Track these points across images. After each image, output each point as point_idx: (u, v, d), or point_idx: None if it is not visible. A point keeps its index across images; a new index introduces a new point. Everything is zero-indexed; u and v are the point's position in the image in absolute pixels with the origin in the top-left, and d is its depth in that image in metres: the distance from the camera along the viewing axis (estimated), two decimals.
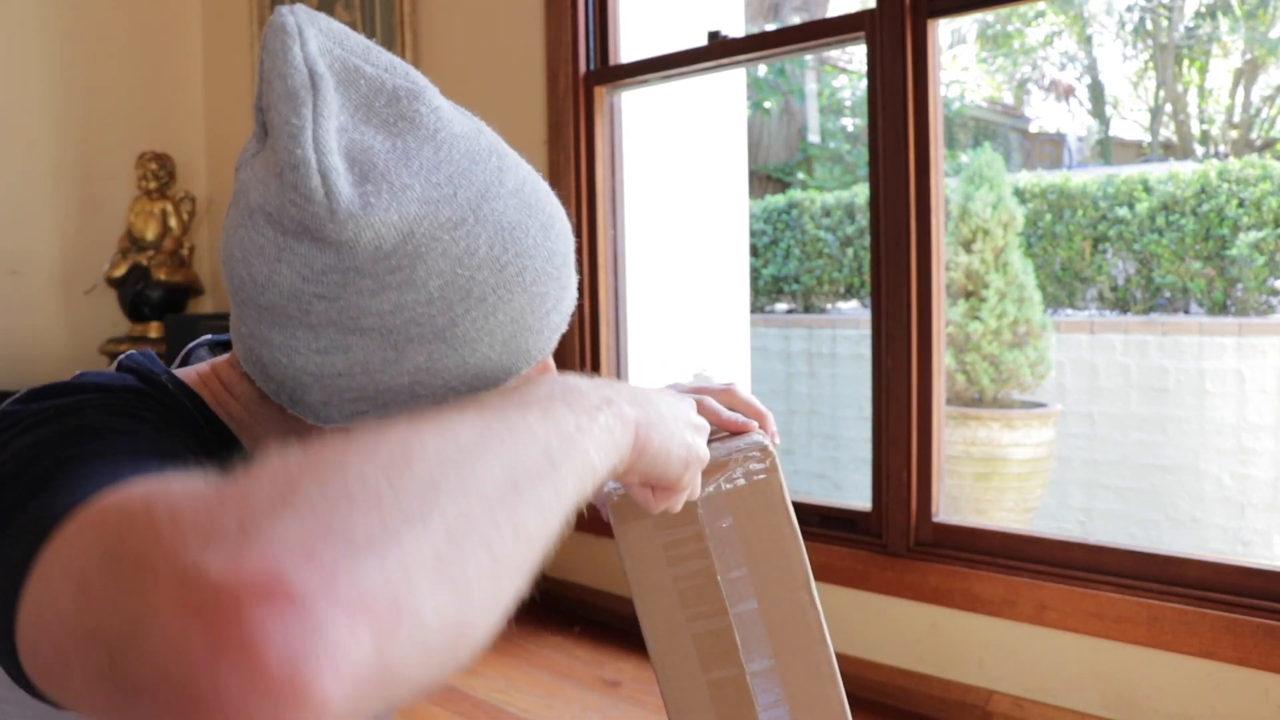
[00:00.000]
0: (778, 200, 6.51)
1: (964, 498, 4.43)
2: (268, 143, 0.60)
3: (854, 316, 5.94)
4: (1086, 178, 5.29)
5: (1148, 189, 4.91)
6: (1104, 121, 8.11)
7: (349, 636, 0.35)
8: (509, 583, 0.43)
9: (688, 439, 0.63)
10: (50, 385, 0.60)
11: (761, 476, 0.72)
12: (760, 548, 0.73)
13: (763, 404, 0.82)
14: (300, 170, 0.57)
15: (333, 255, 0.58)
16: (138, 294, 3.45)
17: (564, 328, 0.68)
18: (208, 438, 0.65)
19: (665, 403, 0.63)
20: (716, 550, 0.73)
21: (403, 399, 0.62)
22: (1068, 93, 8.15)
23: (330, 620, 0.35)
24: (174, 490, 0.41)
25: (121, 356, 0.68)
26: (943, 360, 1.95)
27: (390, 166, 0.59)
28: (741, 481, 0.73)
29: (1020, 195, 5.06)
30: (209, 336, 0.80)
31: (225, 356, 0.71)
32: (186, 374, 0.69)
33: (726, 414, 0.78)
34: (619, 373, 2.56)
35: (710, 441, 0.76)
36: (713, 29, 2.32)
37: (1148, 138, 7.80)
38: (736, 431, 0.77)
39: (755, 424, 0.79)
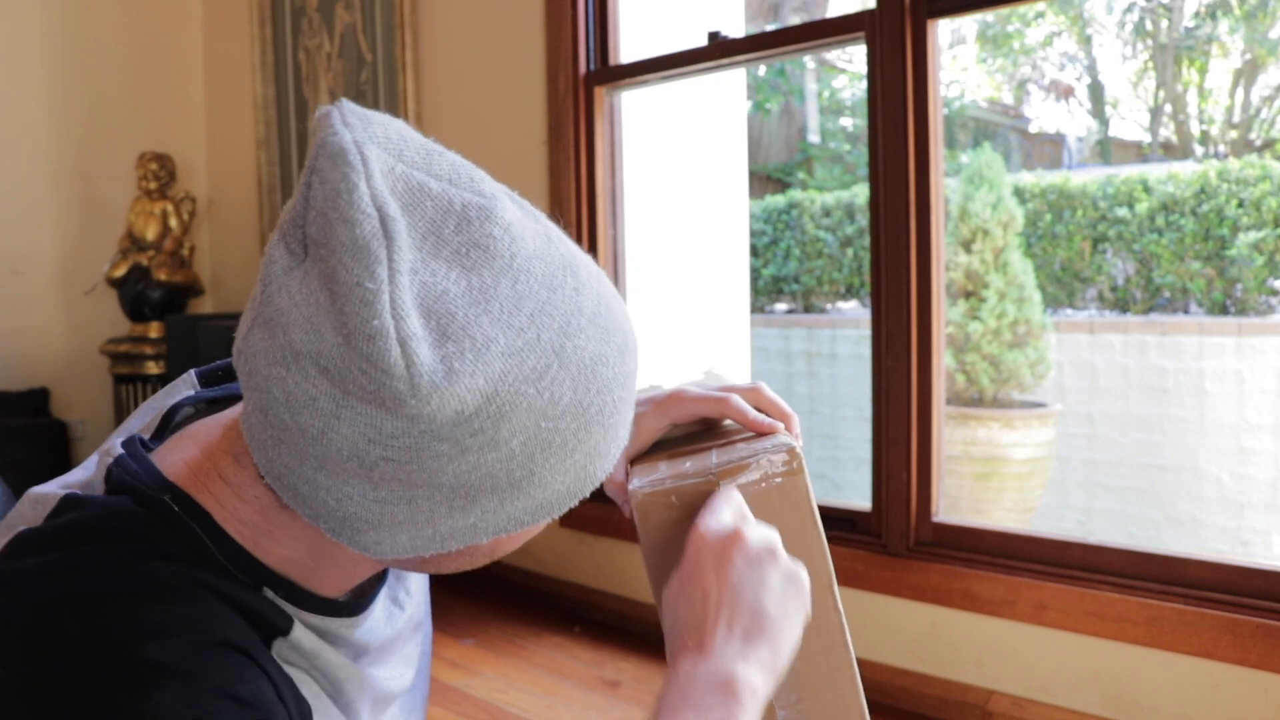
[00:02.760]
0: (778, 200, 6.52)
1: (964, 497, 4.43)
2: (318, 279, 0.53)
3: (854, 316, 5.95)
4: (1086, 178, 5.30)
5: (1147, 189, 4.91)
6: (1103, 122, 8.12)
7: None
8: None
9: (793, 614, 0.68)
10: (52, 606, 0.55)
11: (788, 478, 0.72)
12: (785, 548, 0.73)
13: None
14: (377, 342, 0.51)
15: (406, 423, 0.53)
16: (138, 294, 3.45)
17: (628, 440, 0.64)
18: (221, 570, 0.60)
19: (777, 623, 0.67)
20: None
21: (462, 536, 0.59)
22: (1067, 93, 8.15)
23: None
24: None
25: (111, 462, 0.62)
26: (942, 360, 1.95)
27: (470, 316, 0.53)
28: (767, 483, 0.72)
29: (1020, 195, 5.06)
30: (191, 392, 0.72)
31: (219, 432, 0.64)
32: (182, 474, 0.62)
33: (753, 414, 0.78)
34: None
35: (736, 441, 0.77)
36: (713, 29, 2.32)
37: (1147, 138, 7.80)
38: (763, 432, 0.77)
39: (781, 425, 0.79)
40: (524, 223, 0.58)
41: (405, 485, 0.55)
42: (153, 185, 3.51)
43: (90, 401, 3.62)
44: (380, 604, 0.72)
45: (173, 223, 3.53)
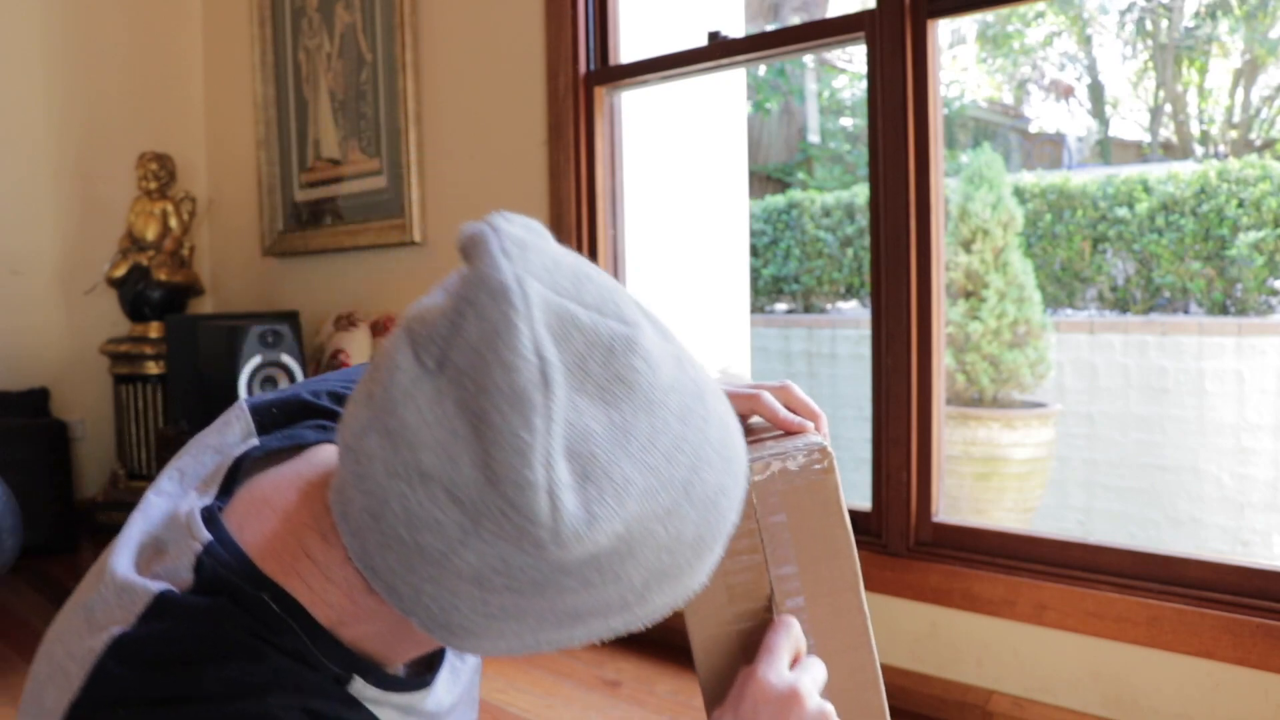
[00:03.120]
0: (778, 200, 6.52)
1: (964, 498, 4.43)
2: (456, 407, 0.52)
3: (854, 316, 5.95)
4: (1086, 178, 5.29)
5: (1147, 189, 4.91)
6: (1104, 122, 8.11)
7: None
8: None
9: None
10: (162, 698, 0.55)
11: (820, 477, 0.73)
12: (812, 547, 0.73)
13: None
14: (527, 492, 0.50)
15: (536, 559, 0.52)
16: (138, 294, 3.45)
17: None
18: (323, 675, 0.60)
19: None
20: (769, 545, 0.74)
21: (559, 644, 0.59)
22: (1067, 93, 8.15)
23: None
24: None
25: (200, 551, 0.60)
26: (943, 360, 1.95)
27: (611, 457, 0.52)
28: (798, 481, 0.72)
29: (1020, 195, 5.06)
30: (255, 443, 0.69)
31: (296, 498, 0.63)
32: (268, 556, 0.61)
33: (783, 413, 0.78)
34: None
35: (766, 439, 0.77)
36: (713, 29, 2.32)
37: (1147, 138, 7.80)
38: (792, 431, 0.78)
39: (811, 425, 0.79)
40: (661, 348, 0.57)
41: (520, 608, 0.55)
42: (153, 185, 3.51)
43: (90, 401, 3.62)
44: (446, 666, 0.73)
45: (173, 223, 3.53)
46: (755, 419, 0.82)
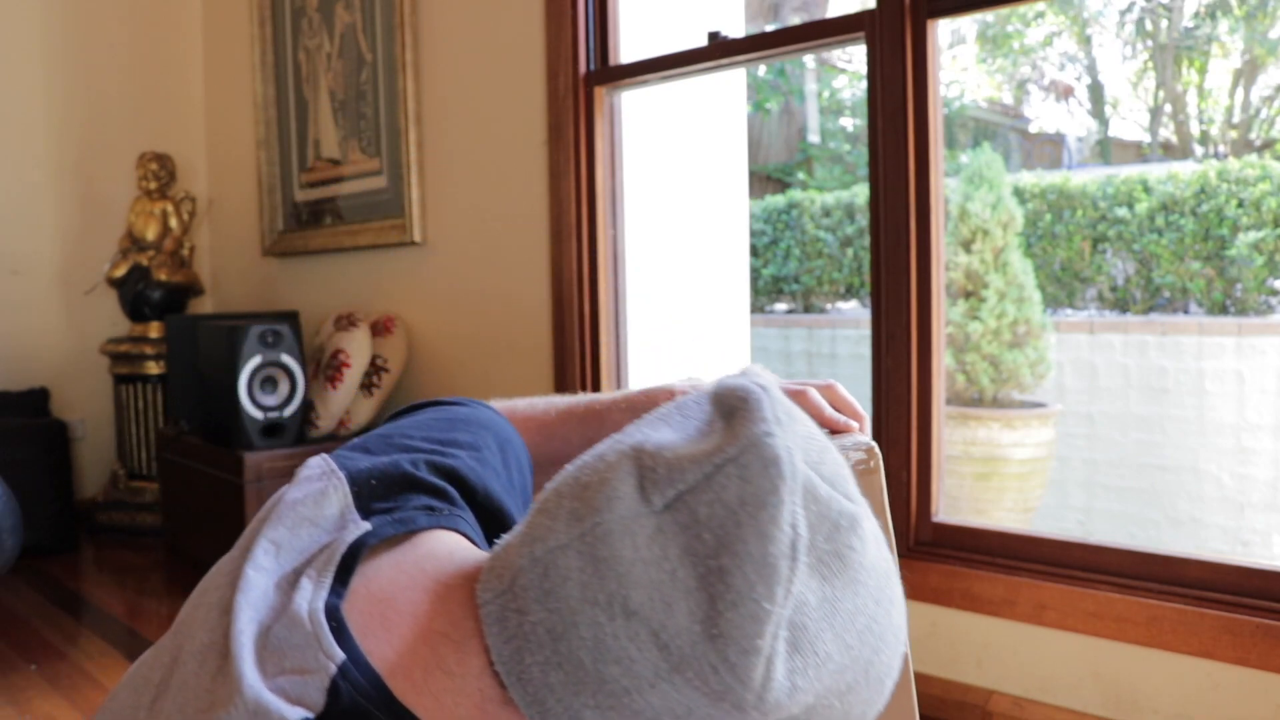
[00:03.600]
0: (778, 200, 6.52)
1: (964, 497, 4.43)
2: (681, 554, 0.52)
3: (854, 316, 5.95)
4: (1086, 178, 5.29)
5: (1147, 189, 4.91)
6: (1103, 122, 8.11)
7: None
8: None
9: None
10: None
11: (866, 476, 0.73)
12: None
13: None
14: (750, 657, 0.50)
15: (725, 716, 0.52)
16: (138, 294, 3.45)
17: None
18: None
19: None
20: None
21: None
22: (1067, 93, 8.15)
23: None
24: None
25: (334, 671, 0.56)
26: (942, 360, 1.95)
27: (818, 630, 0.53)
28: None
29: (1020, 195, 5.06)
30: (367, 526, 0.64)
31: (427, 601, 0.60)
32: (399, 674, 0.58)
33: (830, 411, 0.78)
34: (618, 373, 2.56)
35: None
36: (713, 29, 2.32)
37: (1147, 138, 7.80)
38: (837, 430, 0.77)
39: (856, 425, 0.79)
40: (872, 529, 0.57)
41: None
42: (153, 185, 3.51)
43: (90, 401, 3.62)
44: None
45: (173, 223, 3.53)
46: None
